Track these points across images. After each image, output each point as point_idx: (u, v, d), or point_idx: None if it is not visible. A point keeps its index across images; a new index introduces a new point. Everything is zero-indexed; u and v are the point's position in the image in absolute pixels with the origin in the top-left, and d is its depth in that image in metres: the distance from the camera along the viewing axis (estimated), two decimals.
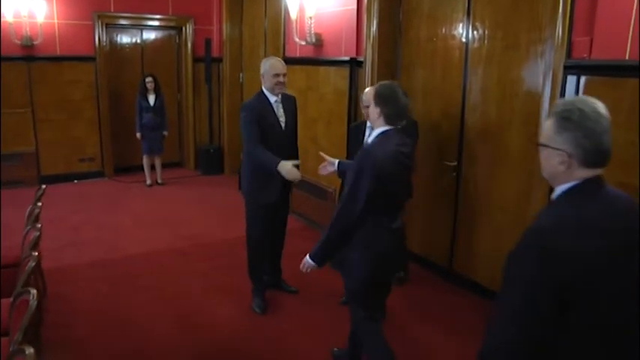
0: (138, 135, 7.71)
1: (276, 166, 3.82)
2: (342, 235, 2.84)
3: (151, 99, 7.64)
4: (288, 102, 4.20)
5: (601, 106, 1.58)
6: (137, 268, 5.04)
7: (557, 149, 1.59)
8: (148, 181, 7.94)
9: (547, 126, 1.63)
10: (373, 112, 2.87)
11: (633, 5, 3.02)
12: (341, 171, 3.49)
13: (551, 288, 1.47)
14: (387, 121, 2.84)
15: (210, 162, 8.84)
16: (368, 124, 3.97)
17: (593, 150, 1.55)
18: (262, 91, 4.07)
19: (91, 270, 4.96)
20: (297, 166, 3.89)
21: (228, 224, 6.12)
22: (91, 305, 4.30)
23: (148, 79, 7.60)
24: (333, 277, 3.55)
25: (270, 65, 4.00)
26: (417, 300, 4.45)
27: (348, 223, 2.80)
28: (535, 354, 1.53)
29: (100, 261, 5.17)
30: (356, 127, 4.42)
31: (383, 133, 2.86)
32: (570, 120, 1.56)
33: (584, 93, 3.36)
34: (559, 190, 1.63)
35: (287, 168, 3.80)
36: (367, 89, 4.07)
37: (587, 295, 1.49)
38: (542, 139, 1.65)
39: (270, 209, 4.20)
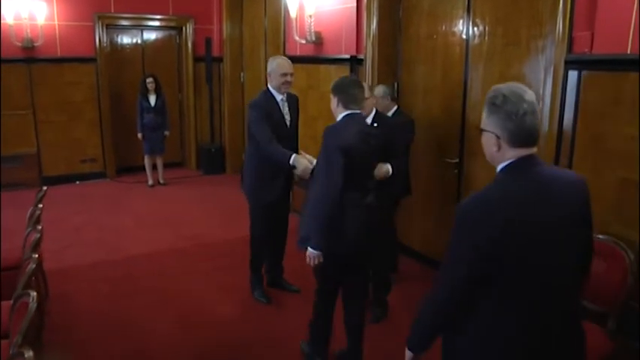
0: (139, 135, 7.70)
1: (289, 160, 3.78)
2: (331, 212, 2.99)
3: (152, 99, 7.63)
4: (292, 100, 4.23)
5: (525, 91, 1.72)
6: (139, 268, 5.03)
7: (489, 131, 1.76)
8: (150, 182, 7.93)
9: (483, 112, 1.80)
10: (332, 102, 3.16)
11: None
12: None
13: (477, 253, 1.66)
14: (344, 106, 3.10)
15: (212, 162, 8.83)
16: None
17: (516, 131, 1.70)
18: (268, 89, 4.10)
19: (93, 271, 4.96)
20: (310, 162, 3.75)
21: (230, 224, 6.11)
22: (92, 306, 4.29)
23: (149, 80, 7.58)
24: None
25: (278, 64, 4.03)
26: (418, 298, 4.42)
27: (333, 199, 2.97)
28: (455, 314, 1.78)
29: (102, 262, 5.17)
30: None
31: (347, 115, 3.10)
32: (495, 105, 1.73)
33: (585, 88, 3.34)
34: (497, 169, 1.79)
35: (304, 163, 3.71)
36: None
37: (508, 264, 1.65)
38: (481, 125, 1.81)
39: (271, 208, 4.21)
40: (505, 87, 1.74)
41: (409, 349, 2.00)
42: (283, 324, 4.04)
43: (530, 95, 1.72)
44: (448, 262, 1.79)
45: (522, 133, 1.71)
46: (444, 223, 4.80)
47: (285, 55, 6.57)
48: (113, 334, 3.89)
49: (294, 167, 3.79)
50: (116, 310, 4.23)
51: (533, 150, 1.74)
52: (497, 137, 1.73)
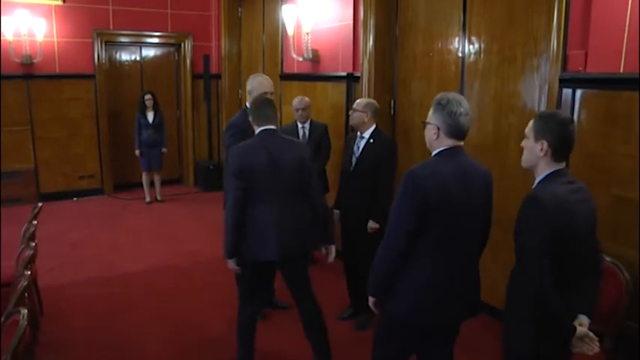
0: (137, 152, 7.70)
1: None
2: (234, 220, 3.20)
3: (150, 116, 7.64)
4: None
5: (463, 99, 2.38)
6: (134, 285, 5.00)
7: (431, 124, 2.38)
8: (148, 198, 7.92)
9: (430, 110, 2.41)
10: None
11: (626, 18, 3.02)
12: None
13: (412, 212, 2.27)
14: (256, 124, 3.28)
15: (210, 178, 8.80)
16: (358, 133, 4.06)
17: (453, 125, 2.34)
18: (246, 109, 3.88)
19: (88, 288, 4.93)
20: None
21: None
22: (86, 323, 4.26)
23: (147, 97, 7.60)
24: (325, 293, 3.51)
25: (259, 83, 3.92)
26: None
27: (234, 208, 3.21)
28: (396, 262, 2.36)
29: (97, 278, 5.14)
30: (349, 138, 4.46)
31: (263, 131, 3.27)
32: (440, 104, 2.36)
33: (580, 106, 3.35)
34: (432, 153, 2.44)
35: None
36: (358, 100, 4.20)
37: (432, 224, 2.28)
38: (427, 119, 2.43)
39: None
40: (450, 94, 2.39)
41: (371, 295, 2.53)
42: (274, 340, 4.01)
43: (465, 103, 2.36)
44: (392, 223, 2.36)
45: (457, 128, 2.35)
46: None
47: (282, 72, 6.62)
48: (107, 351, 3.86)
49: None
50: (110, 327, 4.19)
51: (461, 143, 2.40)
52: (438, 128, 2.36)
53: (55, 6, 7.60)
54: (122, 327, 4.20)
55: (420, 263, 2.33)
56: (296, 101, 5.03)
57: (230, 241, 3.23)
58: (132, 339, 4.04)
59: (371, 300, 2.54)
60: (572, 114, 3.39)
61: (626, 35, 3.03)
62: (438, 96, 2.40)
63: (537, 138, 2.18)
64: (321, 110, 5.86)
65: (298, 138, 4.09)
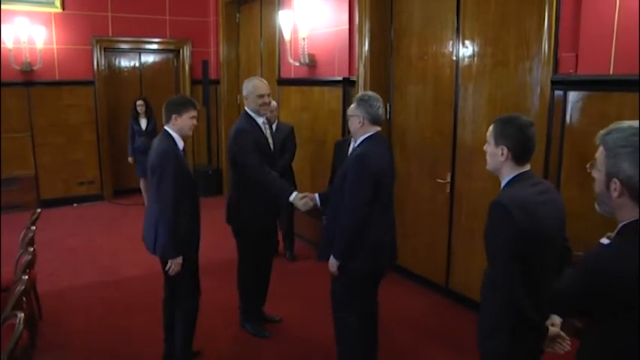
0: (130, 159, 7.63)
1: (288, 198, 3.71)
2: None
3: (143, 123, 7.53)
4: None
5: (379, 96, 3.14)
6: (133, 290, 5.03)
7: (356, 115, 3.09)
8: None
9: (353, 105, 3.15)
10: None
11: (614, 21, 3.06)
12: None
13: (366, 182, 2.97)
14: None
15: (209, 184, 8.84)
16: (354, 140, 4.01)
17: (373, 114, 3.08)
18: (247, 113, 3.93)
19: (87, 292, 4.96)
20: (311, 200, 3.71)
21: (225, 245, 6.07)
22: (86, 328, 4.29)
23: (139, 103, 7.48)
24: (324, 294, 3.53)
25: (254, 86, 3.91)
26: (413, 317, 4.43)
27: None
28: (360, 227, 3.00)
29: (96, 284, 5.17)
30: (341, 142, 4.49)
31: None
32: (363, 100, 3.11)
33: (571, 107, 3.39)
34: (359, 140, 3.13)
35: (306, 204, 3.68)
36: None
37: (379, 190, 3.02)
38: (349, 112, 3.18)
39: (266, 236, 4.17)
40: (369, 92, 3.22)
41: (336, 258, 3.10)
42: (276, 349, 4.04)
43: (380, 99, 3.12)
44: (351, 192, 3.00)
45: (376, 117, 3.09)
46: (436, 243, 4.82)
47: (280, 77, 6.66)
48: (105, 356, 3.89)
49: (291, 204, 3.76)
50: (109, 332, 4.22)
51: (380, 128, 3.13)
52: (363, 118, 3.07)
53: (55, 13, 7.67)
54: (121, 332, 4.23)
55: (374, 221, 3.05)
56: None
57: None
58: (130, 344, 4.06)
59: (334, 263, 3.13)
60: (565, 115, 3.43)
61: (614, 38, 3.07)
62: (360, 94, 3.21)
63: (497, 143, 2.17)
64: (318, 115, 5.90)
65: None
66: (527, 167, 2.19)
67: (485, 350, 2.27)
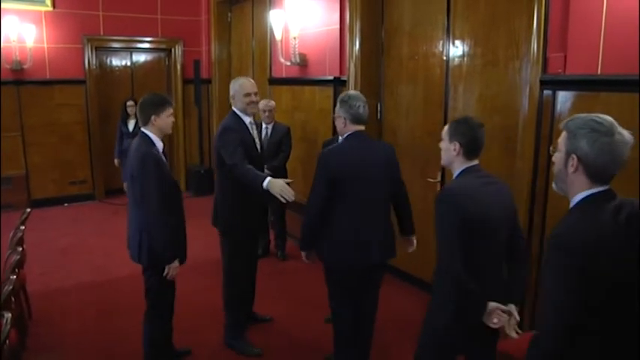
0: (116, 162, 7.22)
1: (262, 183, 3.41)
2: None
3: (131, 125, 7.11)
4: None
5: (361, 95, 3.20)
6: (124, 290, 5.00)
7: (339, 116, 3.14)
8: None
9: (337, 106, 3.19)
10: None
11: (602, 22, 3.08)
12: None
13: (321, 179, 3.07)
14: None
15: (201, 183, 8.82)
16: (339, 138, 3.97)
17: (354, 114, 3.11)
18: (235, 113, 3.88)
19: (78, 293, 4.94)
20: (288, 184, 3.46)
21: (217, 245, 6.09)
22: (76, 328, 4.28)
23: (129, 103, 7.12)
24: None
25: (240, 85, 3.87)
26: (405, 317, 4.44)
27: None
28: (315, 221, 3.14)
29: (88, 284, 5.15)
30: (329, 142, 4.51)
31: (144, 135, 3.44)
32: (344, 100, 3.14)
33: (560, 107, 3.41)
34: (340, 139, 3.23)
35: (279, 185, 3.35)
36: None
37: (341, 189, 3.06)
38: (335, 113, 3.20)
39: (254, 237, 4.13)
40: (350, 92, 3.28)
41: (302, 250, 3.28)
42: (267, 347, 4.04)
43: (363, 98, 3.17)
44: (313, 189, 3.10)
45: (357, 117, 3.11)
46: (427, 242, 4.82)
47: (271, 76, 6.66)
48: (97, 356, 3.89)
49: (267, 191, 3.44)
50: (100, 332, 4.22)
51: (363, 127, 3.16)
52: (345, 119, 3.12)
53: (45, 12, 7.64)
54: (112, 332, 4.23)
55: (337, 217, 3.09)
56: (262, 104, 5.35)
57: None
58: (122, 344, 4.05)
59: (303, 255, 3.32)
60: (554, 115, 3.45)
61: (602, 38, 3.09)
62: (342, 94, 3.23)
63: (451, 140, 2.46)
64: (309, 114, 5.91)
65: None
66: (476, 162, 2.49)
67: (429, 321, 2.61)
